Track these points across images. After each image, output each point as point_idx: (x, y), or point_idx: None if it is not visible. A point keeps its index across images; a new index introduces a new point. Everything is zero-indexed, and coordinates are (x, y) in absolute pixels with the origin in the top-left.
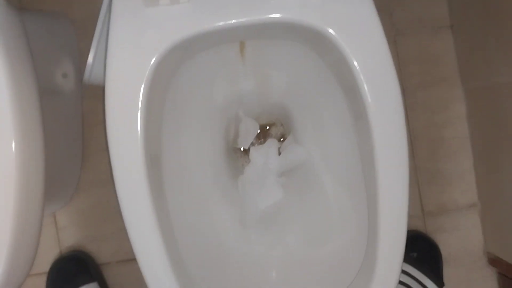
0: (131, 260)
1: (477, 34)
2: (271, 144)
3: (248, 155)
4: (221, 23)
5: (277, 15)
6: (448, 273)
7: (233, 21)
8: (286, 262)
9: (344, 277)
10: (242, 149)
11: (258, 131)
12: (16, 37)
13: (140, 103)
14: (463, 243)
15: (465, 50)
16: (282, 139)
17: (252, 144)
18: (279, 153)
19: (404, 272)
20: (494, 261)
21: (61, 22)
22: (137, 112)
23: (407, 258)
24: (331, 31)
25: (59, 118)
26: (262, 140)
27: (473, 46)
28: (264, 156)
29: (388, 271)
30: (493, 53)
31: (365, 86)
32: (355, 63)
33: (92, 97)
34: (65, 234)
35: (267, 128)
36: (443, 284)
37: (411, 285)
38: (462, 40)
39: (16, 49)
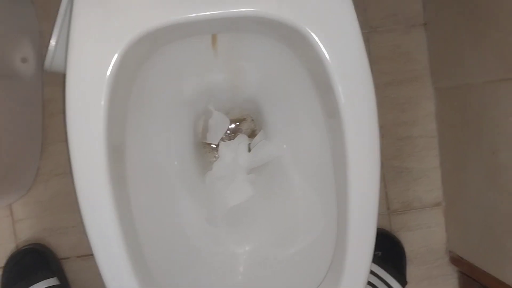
0: (93, 255)
1: (451, 34)
2: (241, 139)
3: (217, 151)
4: (193, 15)
5: (252, 9)
6: (410, 270)
7: (206, 13)
8: (253, 261)
9: (312, 277)
10: (211, 144)
11: (229, 126)
12: None
13: (103, 95)
14: (426, 241)
15: (437, 49)
16: (252, 135)
17: (222, 139)
18: (249, 149)
19: None
20: (455, 260)
21: (20, 3)
22: (100, 104)
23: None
24: (307, 29)
25: (17, 105)
26: (232, 135)
27: (446, 45)
28: (234, 152)
29: (357, 272)
30: (465, 53)
31: (339, 87)
32: (330, 63)
33: (54, 84)
34: (22, 227)
35: (238, 123)
36: (406, 283)
37: (375, 284)
38: (435, 39)
39: None
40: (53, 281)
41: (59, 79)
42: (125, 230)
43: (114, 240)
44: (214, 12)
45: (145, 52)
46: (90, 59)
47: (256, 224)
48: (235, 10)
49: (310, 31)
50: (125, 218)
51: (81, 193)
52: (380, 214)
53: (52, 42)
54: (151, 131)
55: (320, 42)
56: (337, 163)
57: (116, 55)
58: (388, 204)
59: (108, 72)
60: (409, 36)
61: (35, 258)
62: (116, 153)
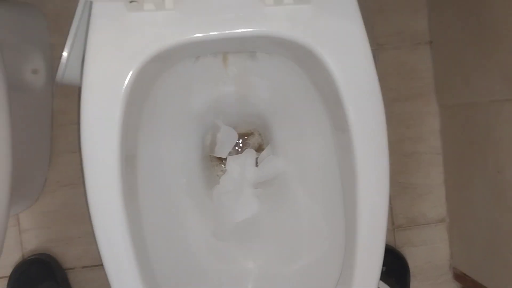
0: (98, 266)
1: (456, 52)
2: (249, 154)
3: (225, 164)
4: (206, 34)
5: (264, 29)
6: (414, 286)
7: (219, 33)
8: (261, 277)
9: None
10: (219, 158)
11: (236, 141)
12: None
13: (118, 109)
14: (430, 257)
15: (442, 67)
16: (260, 149)
17: (230, 153)
18: (257, 164)
19: None
20: (459, 276)
21: (32, 15)
22: (115, 119)
23: None
24: (318, 48)
25: (27, 116)
26: (239, 149)
27: (451, 64)
28: (241, 166)
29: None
30: (471, 72)
31: (350, 106)
32: (341, 81)
33: (63, 96)
34: (28, 237)
35: (245, 137)
36: None
37: None
38: (440, 57)
39: None
40: None
41: (68, 91)
42: (135, 242)
43: (124, 251)
44: (227, 32)
45: (159, 69)
46: (106, 75)
47: (263, 239)
48: (248, 29)
49: (321, 50)
50: (136, 230)
51: (93, 206)
52: None
53: (64, 55)
54: (162, 144)
55: (331, 61)
56: (346, 179)
57: (131, 72)
58: (393, 219)
59: (123, 88)
60: (414, 53)
61: (40, 268)
62: (128, 166)
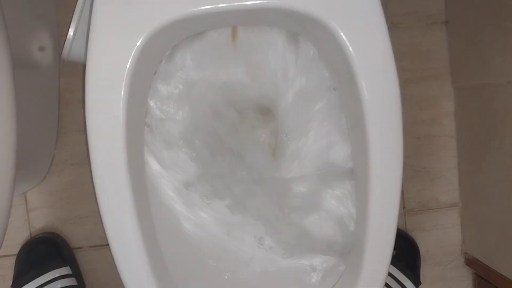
0: (106, 245)
1: (472, 32)
2: None
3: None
4: (214, 6)
5: (276, 1)
6: (424, 271)
7: (228, 4)
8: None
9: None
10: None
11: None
12: None
13: (123, 86)
14: (441, 242)
15: (458, 48)
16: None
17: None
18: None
19: None
20: (471, 261)
21: None
22: (120, 96)
23: None
24: (332, 22)
25: (33, 94)
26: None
27: (467, 44)
28: None
29: (374, 274)
30: (488, 52)
31: (363, 83)
32: (355, 58)
33: (70, 74)
34: (36, 216)
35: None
36: (420, 283)
37: (389, 283)
38: (456, 37)
39: None
40: (65, 270)
41: (75, 69)
42: (142, 224)
43: (131, 231)
44: (237, 4)
45: (165, 44)
46: (111, 51)
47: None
48: (258, 1)
49: (335, 24)
50: (143, 212)
51: (100, 187)
52: None
53: (70, 31)
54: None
55: (345, 36)
56: (357, 161)
57: (136, 47)
58: (404, 203)
59: (128, 64)
60: (430, 33)
61: (48, 247)
62: (135, 145)
